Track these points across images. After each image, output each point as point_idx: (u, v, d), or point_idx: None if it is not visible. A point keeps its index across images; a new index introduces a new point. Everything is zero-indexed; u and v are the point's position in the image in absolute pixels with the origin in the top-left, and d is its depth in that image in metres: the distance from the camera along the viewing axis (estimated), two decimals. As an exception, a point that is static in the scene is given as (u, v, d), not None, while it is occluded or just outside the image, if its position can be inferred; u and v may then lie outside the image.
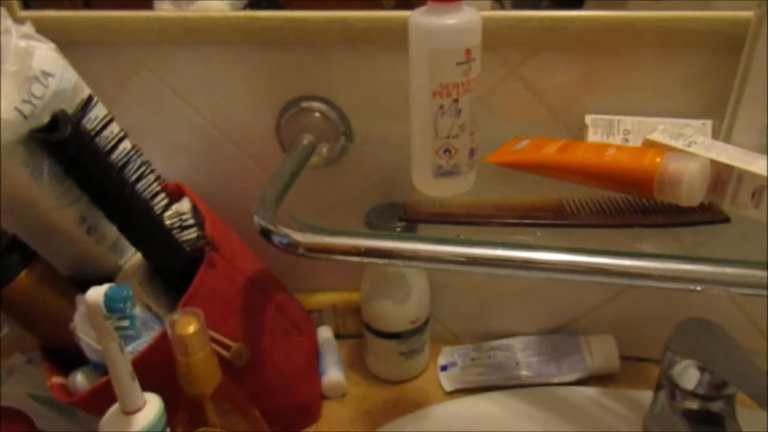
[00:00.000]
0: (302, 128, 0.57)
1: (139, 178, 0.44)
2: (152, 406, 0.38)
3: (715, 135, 0.49)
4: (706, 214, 0.43)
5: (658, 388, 0.53)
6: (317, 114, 0.57)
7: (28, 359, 0.64)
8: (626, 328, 0.64)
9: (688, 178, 0.42)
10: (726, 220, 0.43)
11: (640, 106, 0.52)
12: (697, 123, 0.49)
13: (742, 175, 0.42)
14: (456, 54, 0.42)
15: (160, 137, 0.60)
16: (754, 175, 0.42)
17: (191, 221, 0.50)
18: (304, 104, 0.57)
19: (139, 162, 0.44)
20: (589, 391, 0.60)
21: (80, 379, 0.46)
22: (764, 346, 0.61)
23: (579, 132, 0.53)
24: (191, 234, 0.49)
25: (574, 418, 0.58)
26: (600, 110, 0.52)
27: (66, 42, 0.45)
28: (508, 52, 0.52)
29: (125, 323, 0.33)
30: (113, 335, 0.34)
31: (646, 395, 0.56)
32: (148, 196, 0.45)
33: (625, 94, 0.52)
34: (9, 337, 0.64)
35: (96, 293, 0.32)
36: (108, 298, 0.32)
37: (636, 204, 0.45)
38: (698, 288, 0.39)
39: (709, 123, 0.49)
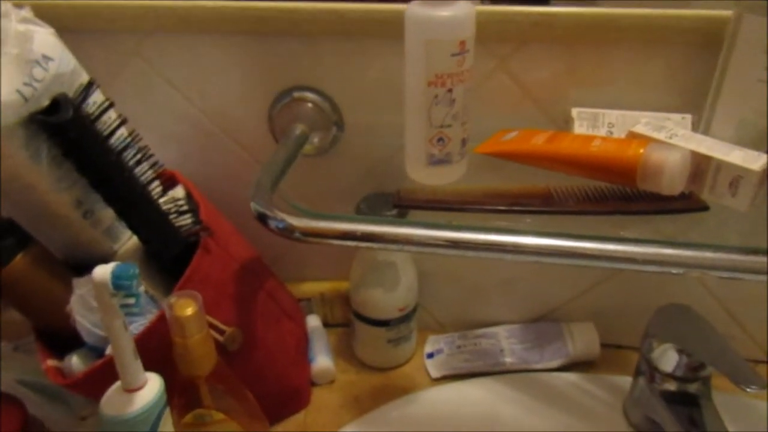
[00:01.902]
0: (294, 118, 0.58)
1: (137, 163, 0.45)
2: (153, 384, 0.39)
3: (695, 128, 0.51)
4: (687, 203, 0.45)
5: (637, 373, 0.55)
6: (309, 104, 0.58)
7: (15, 347, 0.64)
8: (606, 317, 0.66)
9: (669, 167, 0.44)
10: (705, 208, 0.45)
11: (623, 99, 0.54)
12: (677, 117, 0.52)
13: (720, 165, 0.44)
14: (451, 45, 0.43)
15: (152, 126, 0.61)
16: (731, 165, 0.44)
17: (186, 207, 0.50)
18: (297, 94, 0.58)
19: (136, 147, 0.45)
20: (571, 377, 0.62)
21: (75, 362, 0.46)
22: (736, 330, 0.64)
23: (564, 125, 0.55)
24: (186, 219, 0.49)
25: (557, 402, 0.60)
26: (584, 103, 0.54)
27: (59, 29, 0.45)
28: (496, 45, 0.54)
29: (131, 300, 0.34)
30: (118, 313, 0.34)
31: (626, 380, 0.59)
32: (145, 181, 0.46)
33: (609, 88, 0.54)
34: (-5, 324, 0.64)
35: (103, 270, 0.33)
36: (115, 276, 0.33)
37: (620, 192, 0.47)
38: (679, 271, 0.41)
39: (688, 117, 0.51)
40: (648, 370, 0.53)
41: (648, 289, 0.63)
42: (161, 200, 0.48)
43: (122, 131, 0.44)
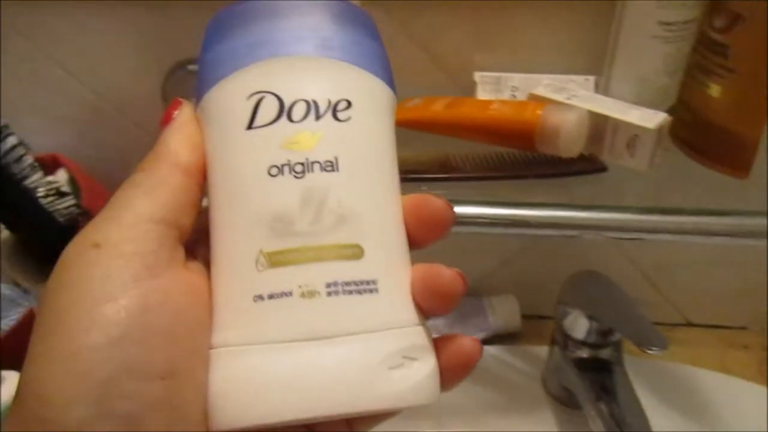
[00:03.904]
0: (190, 93, 0.55)
1: (12, 149, 0.41)
2: (10, 384, 0.35)
3: (599, 90, 0.50)
4: (585, 165, 0.44)
5: (553, 342, 0.54)
6: (205, 78, 0.54)
7: None
8: (526, 288, 0.65)
9: (565, 128, 0.42)
10: (603, 169, 0.44)
11: (529, 63, 0.52)
12: (580, 79, 0.50)
13: (617, 125, 0.43)
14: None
15: (39, 108, 0.57)
16: (628, 125, 0.43)
17: (66, 191, 0.47)
18: (191, 67, 0.54)
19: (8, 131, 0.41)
20: (492, 350, 0.61)
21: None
22: (654, 295, 0.64)
23: (472, 91, 0.53)
24: (65, 203, 0.46)
25: (478, 375, 0.59)
26: (491, 68, 0.52)
27: None
28: (397, 10, 0.51)
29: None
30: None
31: (545, 350, 0.58)
32: (19, 167, 0.42)
33: (514, 51, 0.53)
34: None
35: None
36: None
37: (521, 157, 0.46)
38: (574, 234, 0.40)
39: (592, 78, 0.50)
40: (561, 338, 0.52)
41: (567, 258, 0.62)
42: (37, 185, 0.45)
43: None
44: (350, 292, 0.21)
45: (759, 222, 0.42)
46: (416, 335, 0.22)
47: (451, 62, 0.53)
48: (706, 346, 0.63)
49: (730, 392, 0.57)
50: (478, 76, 0.51)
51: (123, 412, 0.20)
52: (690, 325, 0.66)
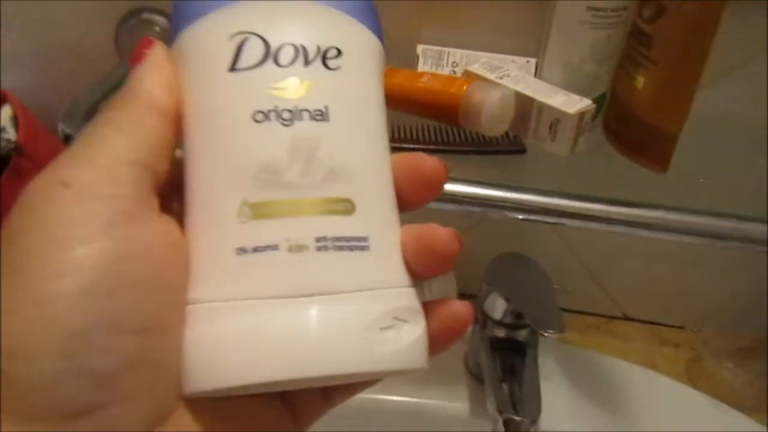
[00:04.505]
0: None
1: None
2: None
3: (537, 73, 0.50)
4: (505, 145, 0.44)
5: (476, 321, 0.55)
6: (157, 28, 0.55)
7: None
8: (466, 268, 0.65)
9: (488, 105, 0.42)
10: (521, 150, 0.44)
11: (475, 41, 0.52)
12: (522, 60, 0.50)
13: (541, 107, 0.43)
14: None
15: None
16: (550, 108, 0.43)
17: (5, 125, 0.48)
18: (145, 16, 0.55)
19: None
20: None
21: None
22: (592, 286, 0.64)
23: (414, 64, 0.53)
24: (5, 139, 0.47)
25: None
26: (436, 43, 0.52)
27: None
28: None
29: None
30: None
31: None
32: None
33: (460, 28, 0.52)
34: None
35: None
36: None
37: (446, 133, 0.46)
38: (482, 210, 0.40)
39: (533, 61, 0.50)
40: (481, 318, 0.53)
41: (509, 242, 0.63)
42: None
43: None
44: (341, 248, 0.20)
45: (677, 217, 0.42)
46: (407, 296, 0.21)
47: (397, 33, 0.53)
48: (638, 340, 0.63)
49: (650, 387, 0.57)
50: (420, 48, 0.51)
51: (94, 368, 0.18)
52: (627, 318, 0.66)
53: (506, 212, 0.40)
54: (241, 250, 0.20)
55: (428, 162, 0.23)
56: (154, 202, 0.20)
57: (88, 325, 0.17)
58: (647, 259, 0.62)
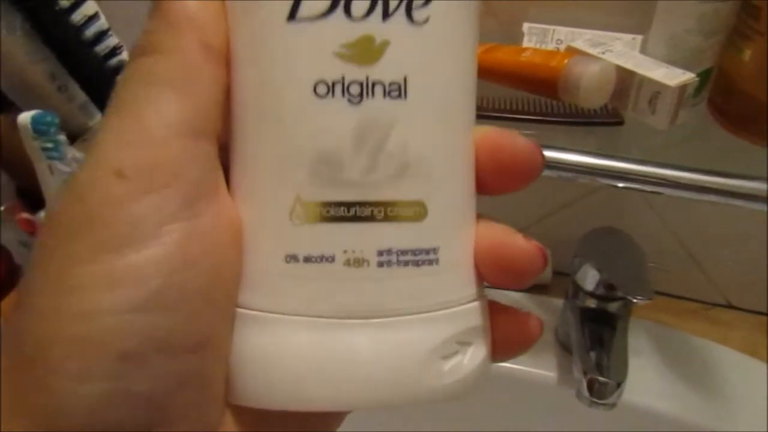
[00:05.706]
0: None
1: (96, 42, 0.50)
2: None
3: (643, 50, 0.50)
4: (603, 116, 0.46)
5: (567, 295, 0.57)
6: None
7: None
8: (562, 243, 0.66)
9: (586, 78, 0.44)
10: (620, 122, 0.45)
11: (581, 19, 0.53)
12: (628, 37, 0.51)
13: (641, 81, 0.44)
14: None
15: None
16: (651, 81, 0.44)
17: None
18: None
19: (98, 26, 0.50)
20: (517, 296, 0.64)
21: (43, 216, 0.53)
22: (693, 269, 0.63)
23: (520, 42, 0.55)
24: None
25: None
26: (543, 21, 0.54)
27: None
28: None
29: (50, 145, 0.39)
30: (41, 156, 0.40)
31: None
32: (107, 58, 0.51)
33: (567, 6, 0.54)
34: None
35: (25, 115, 0.38)
36: (34, 120, 0.38)
37: (541, 104, 0.48)
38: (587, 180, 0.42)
39: (639, 38, 0.50)
40: (573, 289, 0.54)
41: (603, 217, 0.63)
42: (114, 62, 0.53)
43: (86, 8, 0.49)
44: (406, 263, 0.18)
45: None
46: (474, 314, 0.19)
47: (505, 11, 0.56)
48: (740, 329, 0.62)
49: (748, 374, 0.56)
50: (526, 26, 0.53)
51: (144, 392, 0.16)
52: (730, 306, 0.64)
53: (599, 179, 0.41)
54: (292, 258, 0.17)
55: (520, 143, 0.19)
56: (220, 179, 0.18)
57: (140, 347, 0.16)
58: (756, 245, 0.60)
